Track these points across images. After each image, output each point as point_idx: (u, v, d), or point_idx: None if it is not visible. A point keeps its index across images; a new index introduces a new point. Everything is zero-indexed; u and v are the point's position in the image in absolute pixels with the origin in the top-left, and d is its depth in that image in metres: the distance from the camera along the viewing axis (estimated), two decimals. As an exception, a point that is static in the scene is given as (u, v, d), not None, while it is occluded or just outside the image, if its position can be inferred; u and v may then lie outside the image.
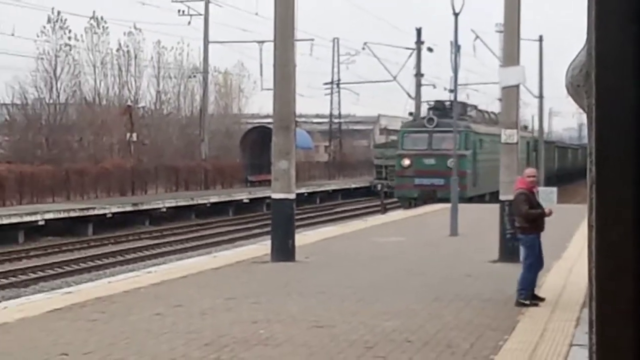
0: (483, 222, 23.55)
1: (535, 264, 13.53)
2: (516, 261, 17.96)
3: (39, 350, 9.94)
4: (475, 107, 55.17)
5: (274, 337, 10.80)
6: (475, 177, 46.09)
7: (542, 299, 13.37)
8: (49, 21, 58.14)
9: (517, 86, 19.81)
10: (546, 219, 13.93)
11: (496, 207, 19.56)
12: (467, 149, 44.98)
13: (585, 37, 1.29)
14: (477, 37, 51.45)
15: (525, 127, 64.28)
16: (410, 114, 51.91)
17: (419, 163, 45.81)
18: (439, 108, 49.02)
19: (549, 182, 57.69)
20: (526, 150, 57.60)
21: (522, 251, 13.89)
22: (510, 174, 19.19)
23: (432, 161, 45.14)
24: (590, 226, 1.26)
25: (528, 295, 13.26)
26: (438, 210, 32.45)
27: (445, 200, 37.14)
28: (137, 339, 10.64)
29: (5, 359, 9.51)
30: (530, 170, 14.90)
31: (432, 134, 45.94)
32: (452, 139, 41.71)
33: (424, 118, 49.08)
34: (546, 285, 15.19)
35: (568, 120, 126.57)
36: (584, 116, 1.39)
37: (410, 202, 44.80)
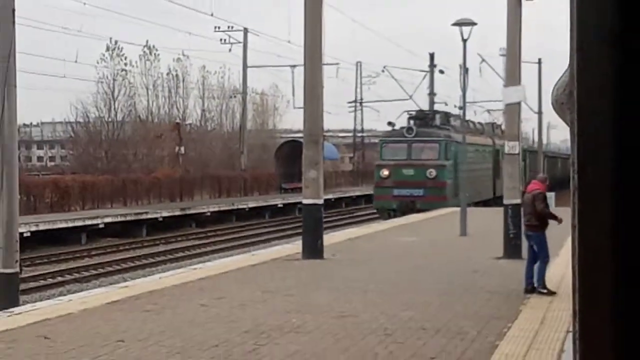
0: (489, 223, 23.44)
1: (546, 258, 13.54)
2: (519, 258, 17.97)
3: (99, 337, 9.99)
4: (459, 116, 48.12)
5: (305, 325, 10.81)
6: (457, 188, 37.99)
7: (552, 292, 13.28)
8: (107, 49, 58.48)
9: (519, 103, 19.74)
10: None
11: (501, 210, 19.49)
12: (447, 159, 39.64)
13: (568, 60, 1.30)
14: (483, 60, 51.30)
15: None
16: (389, 123, 44.69)
17: (398, 173, 39.55)
18: (420, 117, 43.43)
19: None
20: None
21: (533, 247, 13.84)
22: (512, 182, 19.11)
23: (410, 172, 38.90)
24: (573, 226, 1.27)
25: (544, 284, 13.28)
26: (449, 213, 32.27)
27: (425, 211, 35.07)
28: (185, 327, 10.67)
29: (71, 345, 9.56)
30: (544, 176, 14.86)
31: (411, 144, 39.73)
32: (431, 149, 39.62)
33: (403, 128, 42.65)
34: (546, 279, 15.12)
35: (564, 132, 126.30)
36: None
37: (389, 214, 38.30)
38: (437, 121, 42.83)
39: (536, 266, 13.50)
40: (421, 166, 38.50)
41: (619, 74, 1.23)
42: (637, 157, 1.22)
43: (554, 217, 13.63)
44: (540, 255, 13.54)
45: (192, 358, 8.90)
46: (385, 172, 39.19)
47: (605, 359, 1.24)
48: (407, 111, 45.17)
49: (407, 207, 36.83)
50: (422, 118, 42.98)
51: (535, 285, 13.36)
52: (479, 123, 52.58)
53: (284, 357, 8.94)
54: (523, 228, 14.52)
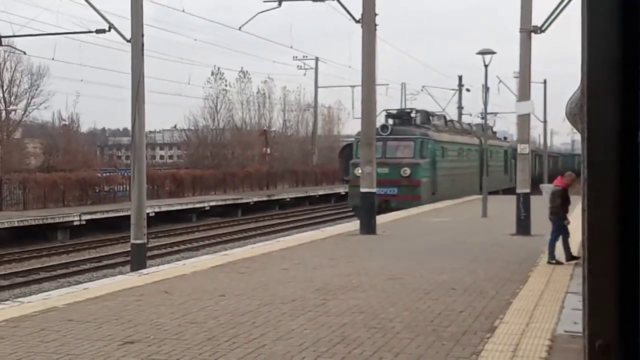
0: (505, 207, 23.13)
1: (566, 235, 13.21)
2: (528, 235, 17.72)
3: (206, 292, 10.10)
4: (443, 116, 39.57)
5: (362, 285, 10.79)
6: (435, 186, 31.78)
7: (577, 257, 12.86)
8: (212, 74, 59.17)
9: (529, 114, 19.42)
10: (548, 204, 13.75)
11: (514, 198, 19.21)
12: (422, 158, 30.99)
13: (579, 80, 1.29)
14: (500, 81, 50.22)
15: (505, 138, 51.36)
16: None
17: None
18: (399, 116, 34.44)
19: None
20: (503, 158, 44.90)
21: (554, 228, 13.45)
22: (523, 175, 18.81)
23: (385, 170, 29.20)
24: (583, 210, 1.26)
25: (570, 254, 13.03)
26: (473, 199, 31.89)
27: (400, 209, 27.09)
28: (271, 285, 10.73)
29: (184, 298, 9.69)
30: (571, 173, 14.38)
31: (386, 142, 30.74)
32: (406, 147, 30.71)
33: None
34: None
35: (563, 137, 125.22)
36: (577, 134, 1.39)
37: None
38: (417, 120, 33.96)
39: (560, 242, 13.19)
40: (396, 164, 30.14)
41: (620, 93, 1.22)
42: (633, 156, 1.22)
43: (564, 216, 13.39)
44: (555, 234, 13.29)
45: (278, 308, 8.95)
46: (359, 170, 31.77)
47: (608, 317, 1.22)
48: (386, 110, 35.49)
49: (381, 206, 27.29)
50: (400, 116, 34.25)
51: (566, 254, 13.04)
52: (467, 124, 44.75)
53: (346, 309, 8.93)
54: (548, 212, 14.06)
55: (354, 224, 18.96)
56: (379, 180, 26.04)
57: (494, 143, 42.99)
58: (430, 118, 35.54)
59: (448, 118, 41.35)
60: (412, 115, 34.40)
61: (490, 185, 37.67)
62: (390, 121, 33.08)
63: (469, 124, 44.92)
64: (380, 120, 31.62)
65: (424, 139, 31.50)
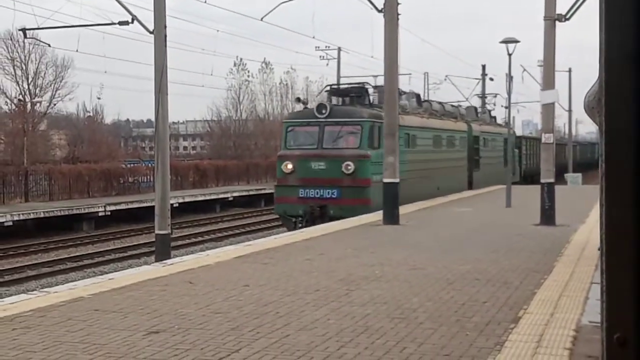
0: (529, 197, 23.00)
1: None
2: (552, 225, 17.60)
3: (230, 282, 10.17)
4: (416, 95, 29.64)
5: (385, 275, 10.81)
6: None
7: None
8: (234, 65, 59.30)
9: (553, 104, 19.27)
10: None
11: (537, 187, 19.10)
12: (374, 148, 22.30)
13: (597, 73, 1.29)
14: (525, 69, 49.90)
15: (507, 124, 38.34)
16: (298, 100, 26.17)
17: (305, 168, 22.46)
18: (348, 93, 25.08)
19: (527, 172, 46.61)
20: (502, 147, 36.65)
21: None
22: (548, 165, 18.66)
23: (321, 165, 22.30)
24: (601, 204, 1.26)
25: None
26: (497, 189, 31.67)
27: (339, 218, 19.78)
28: (294, 276, 10.78)
29: (208, 288, 9.76)
30: None
31: (323, 127, 22.68)
32: (351, 134, 22.44)
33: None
34: (574, 242, 14.80)
35: (588, 126, 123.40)
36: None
37: (295, 223, 22.07)
38: (375, 99, 24.96)
39: None
40: (335, 158, 22.02)
41: (639, 85, 1.22)
42: None
43: None
44: None
45: (301, 299, 8.99)
46: (289, 166, 22.50)
47: (626, 310, 1.23)
48: (330, 85, 26.97)
49: (316, 214, 21.58)
50: (349, 93, 24.93)
51: None
52: (451, 105, 35.47)
53: (369, 299, 8.96)
54: None
55: (377, 215, 18.95)
56: (313, 178, 21.82)
57: (489, 130, 37.08)
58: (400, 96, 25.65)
59: (431, 99, 34.00)
60: (368, 92, 24.96)
61: (483, 180, 33.06)
62: (339, 101, 24.95)
63: (453, 105, 35.67)
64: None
65: (375, 122, 22.06)
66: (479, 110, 42.02)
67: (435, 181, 27.47)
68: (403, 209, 20.11)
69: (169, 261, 11.92)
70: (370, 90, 25.55)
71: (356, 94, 24.84)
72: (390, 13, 18.64)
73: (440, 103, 33.10)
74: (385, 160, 18.67)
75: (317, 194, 22.06)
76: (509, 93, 27.85)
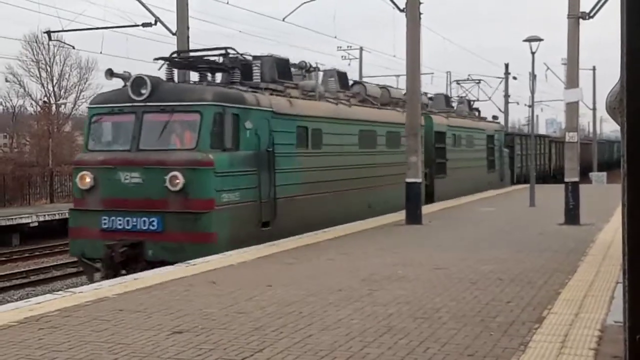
0: (553, 197, 22.82)
1: None
2: (577, 224, 17.47)
3: (252, 282, 10.20)
4: (341, 73, 21.06)
5: (408, 275, 10.79)
6: (271, 208, 15.22)
7: None
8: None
9: (577, 102, 19.12)
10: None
11: (560, 187, 18.96)
12: (222, 148, 13.99)
13: (619, 74, 1.28)
14: (548, 68, 49.46)
15: (495, 118, 36.17)
16: (110, 73, 14.33)
17: (110, 182, 13.83)
18: (195, 65, 16.18)
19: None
20: (486, 146, 31.09)
21: None
22: (572, 163, 18.53)
23: (136, 177, 13.62)
24: (623, 204, 1.26)
25: None
26: (520, 189, 31.37)
27: (163, 263, 12.31)
28: (317, 276, 10.79)
29: (232, 288, 9.80)
30: None
31: (141, 116, 13.91)
32: (183, 127, 14.03)
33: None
34: (598, 241, 14.67)
35: (613, 124, 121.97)
36: None
37: (95, 269, 14.05)
38: (255, 74, 16.20)
39: None
40: (157, 165, 13.63)
41: None
42: None
43: None
44: None
45: (324, 299, 9.00)
46: (87, 179, 14.18)
47: None
48: (177, 52, 17.52)
49: (117, 258, 13.37)
50: (196, 65, 16.24)
51: None
52: (389, 87, 25.14)
53: (392, 299, 8.95)
54: None
55: (400, 214, 18.91)
56: (122, 199, 13.57)
57: (465, 124, 29.02)
58: (280, 70, 17.19)
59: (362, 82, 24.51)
60: (238, 62, 15.99)
61: (453, 189, 25.41)
62: (185, 77, 16.77)
63: (426, 95, 27.00)
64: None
65: (226, 108, 13.99)
66: (457, 99, 33.27)
67: (358, 196, 19.29)
68: (425, 209, 20.05)
69: (192, 261, 11.97)
70: (247, 61, 16.34)
71: (215, 66, 15.82)
72: (412, 12, 18.60)
73: (383, 87, 24.06)
74: (408, 160, 18.66)
75: (129, 223, 13.51)
76: (532, 92, 27.68)
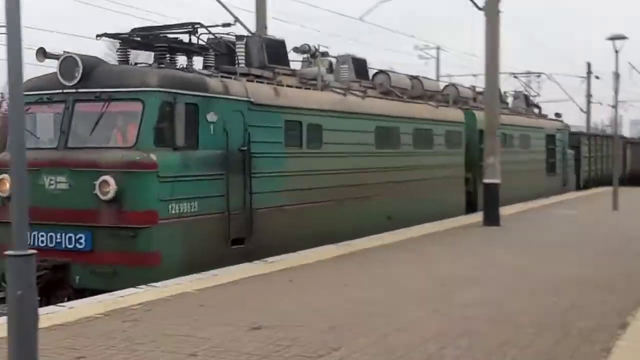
0: (636, 200, 22.14)
1: None
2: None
3: (329, 281, 10.27)
4: (358, 60, 17.53)
5: (486, 277, 10.65)
6: (247, 220, 12.12)
7: None
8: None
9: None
10: None
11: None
12: (172, 146, 10.95)
13: None
14: (633, 67, 48.07)
15: (558, 116, 31.45)
16: (42, 53, 11.02)
17: (33, 188, 9.88)
18: (159, 42, 12.21)
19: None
20: (545, 147, 27.84)
21: None
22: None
23: (62, 182, 10.61)
24: None
25: None
26: (602, 191, 30.49)
27: (98, 291, 9.55)
28: (393, 276, 10.76)
29: (309, 285, 9.87)
30: None
31: (72, 106, 11.01)
32: (125, 120, 11.11)
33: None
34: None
35: None
36: None
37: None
38: (238, 57, 13.40)
39: None
40: (86, 167, 10.61)
41: None
42: None
43: None
44: None
45: (400, 299, 8.97)
46: (7, 185, 10.75)
47: None
48: (136, 29, 12.67)
49: (42, 283, 9.71)
50: (160, 46, 12.21)
51: None
52: (440, 81, 23.97)
53: (470, 301, 8.85)
54: None
55: (477, 216, 18.67)
56: (45, 209, 10.51)
57: (518, 122, 25.55)
58: (271, 54, 14.34)
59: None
60: (226, 44, 13.60)
61: (506, 194, 19.35)
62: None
63: (452, 85, 23.67)
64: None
65: (178, 95, 11.16)
66: (513, 94, 29.29)
67: (374, 206, 16.06)
68: (503, 210, 19.69)
69: (270, 259, 12.10)
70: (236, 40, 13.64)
71: (179, 45, 12.56)
72: (491, 11, 18.35)
73: (414, 78, 19.95)
74: (486, 161, 18.42)
75: (52, 240, 10.81)
76: (616, 91, 26.92)
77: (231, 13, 19.99)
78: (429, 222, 17.17)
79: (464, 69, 57.99)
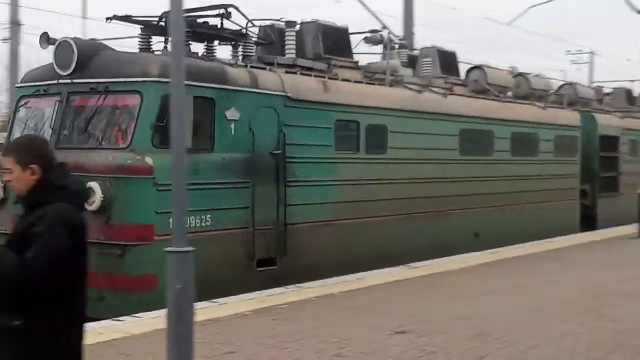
0: None
1: None
2: None
3: (473, 289, 10.13)
4: (446, 54, 15.49)
5: (627, 290, 10.13)
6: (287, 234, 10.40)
7: None
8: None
9: None
10: None
11: None
12: (159, 145, 8.90)
13: None
14: None
15: None
16: (46, 38, 9.74)
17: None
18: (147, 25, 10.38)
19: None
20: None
21: None
22: None
23: None
24: None
25: None
26: None
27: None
28: (540, 286, 10.44)
29: (453, 292, 9.76)
30: None
31: (66, 99, 9.49)
32: (120, 116, 9.40)
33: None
34: None
35: None
36: None
37: None
38: (250, 47, 11.09)
39: None
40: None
41: None
42: None
43: None
44: None
45: (548, 310, 8.72)
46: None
47: None
48: (166, 12, 9.80)
49: None
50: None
51: None
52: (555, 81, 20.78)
53: (624, 316, 8.48)
54: None
55: (633, 227, 17.75)
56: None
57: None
58: (330, 43, 12.44)
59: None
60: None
61: (626, 211, 18.32)
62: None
63: (573, 84, 20.78)
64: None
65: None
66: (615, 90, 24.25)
67: (457, 221, 14.07)
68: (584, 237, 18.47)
69: (414, 264, 12.07)
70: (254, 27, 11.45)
71: (213, 32, 10.75)
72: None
73: (519, 75, 17.64)
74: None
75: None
76: None
77: (379, 20, 20.19)
78: (529, 241, 15.07)
79: (619, 75, 55.01)
